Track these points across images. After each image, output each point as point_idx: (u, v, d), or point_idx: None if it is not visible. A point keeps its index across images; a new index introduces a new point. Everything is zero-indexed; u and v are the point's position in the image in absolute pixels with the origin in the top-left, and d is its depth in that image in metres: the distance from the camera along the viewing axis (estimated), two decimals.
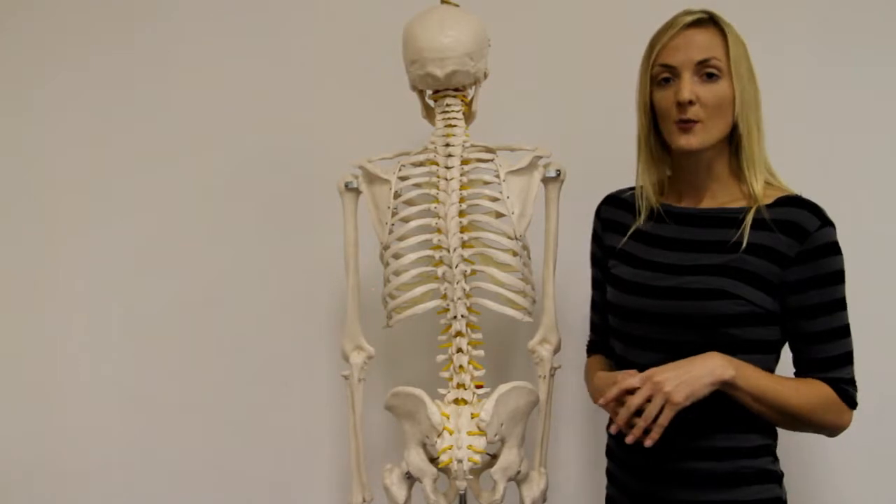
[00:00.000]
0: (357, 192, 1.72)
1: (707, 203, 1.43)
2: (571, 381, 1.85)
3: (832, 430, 1.40)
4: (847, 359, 1.39)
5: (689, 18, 1.37)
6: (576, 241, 1.83)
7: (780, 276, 1.35)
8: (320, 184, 1.93)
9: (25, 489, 2.19)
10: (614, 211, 1.57)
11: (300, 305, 2.13)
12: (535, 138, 1.70)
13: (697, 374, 1.29)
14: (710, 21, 1.38)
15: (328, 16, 2.11)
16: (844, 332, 1.38)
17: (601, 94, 2.01)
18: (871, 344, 1.96)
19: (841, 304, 1.37)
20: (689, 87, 1.35)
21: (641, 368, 1.34)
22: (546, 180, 1.69)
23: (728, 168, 1.42)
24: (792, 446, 1.96)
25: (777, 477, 1.42)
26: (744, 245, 1.35)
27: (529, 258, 1.69)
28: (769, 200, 1.38)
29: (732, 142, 1.40)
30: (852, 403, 1.39)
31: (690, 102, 1.35)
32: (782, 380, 1.38)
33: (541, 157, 1.67)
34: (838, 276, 1.36)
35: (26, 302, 2.18)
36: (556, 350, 1.72)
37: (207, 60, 2.13)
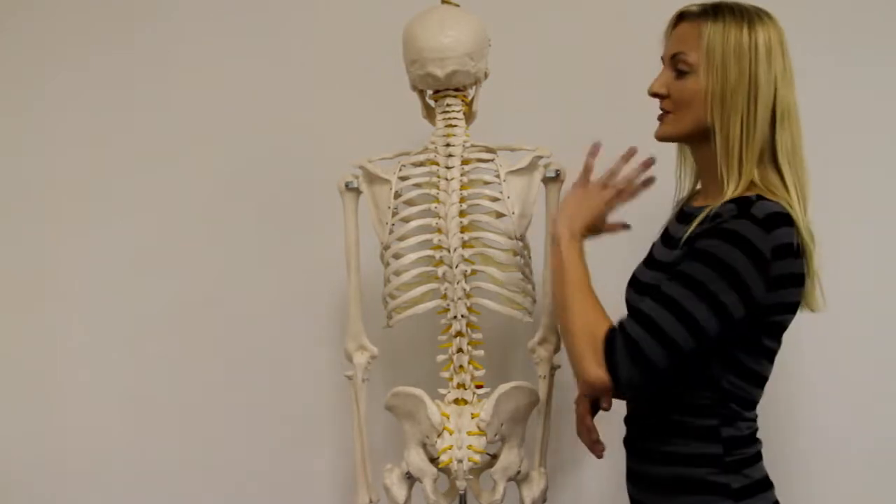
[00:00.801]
0: (357, 192, 1.72)
1: (705, 202, 1.39)
2: (571, 381, 1.84)
3: (576, 365, 1.29)
4: (645, 321, 1.24)
5: (681, 10, 1.37)
6: None
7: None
8: (320, 184, 1.93)
9: (25, 489, 2.19)
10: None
11: (300, 305, 2.13)
12: (535, 138, 1.70)
13: (570, 210, 1.40)
14: (699, 14, 1.34)
15: (328, 16, 2.11)
16: (664, 300, 1.24)
17: (601, 94, 2.01)
18: (871, 344, 1.97)
19: (687, 281, 1.23)
20: (660, 80, 1.37)
21: None
22: (546, 180, 1.69)
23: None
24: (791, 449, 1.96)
25: (727, 490, 1.31)
26: (682, 240, 1.32)
27: (530, 258, 1.69)
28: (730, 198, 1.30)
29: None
30: (608, 353, 1.24)
31: (658, 95, 1.37)
32: (582, 286, 1.33)
33: (541, 157, 1.67)
34: (708, 258, 1.23)
35: (26, 302, 2.18)
36: (556, 350, 1.72)
37: (207, 60, 2.14)
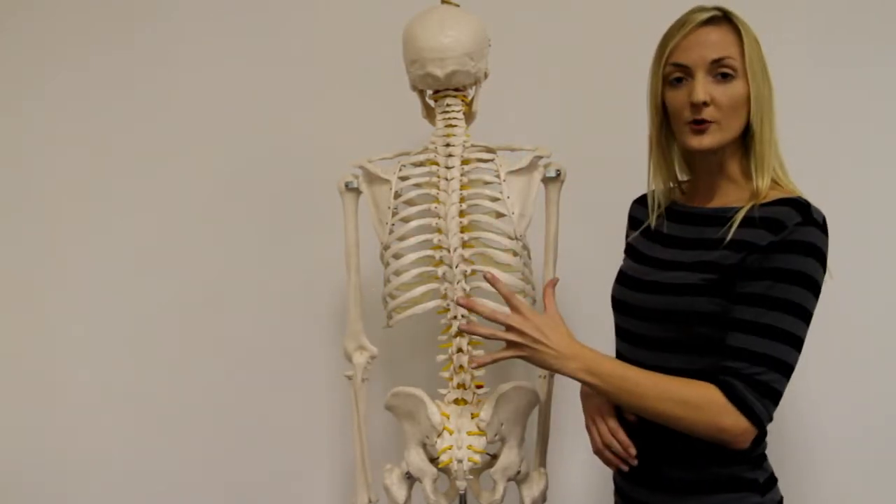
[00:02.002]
0: (357, 192, 1.72)
1: (716, 203, 1.39)
2: (571, 381, 1.85)
3: (714, 431, 1.25)
4: (753, 357, 1.23)
5: (704, 16, 1.33)
6: (576, 241, 1.83)
7: (744, 265, 1.28)
8: (320, 184, 1.94)
9: (26, 489, 2.19)
10: (639, 209, 1.56)
11: (300, 305, 2.13)
12: (535, 138, 1.70)
13: (546, 351, 1.31)
14: (723, 18, 1.33)
15: (328, 16, 2.11)
16: (776, 334, 1.23)
17: (601, 94, 2.01)
18: (870, 344, 1.97)
19: (788, 307, 1.24)
20: (703, 87, 1.31)
21: (632, 363, 1.37)
22: (546, 180, 1.69)
23: (740, 168, 1.37)
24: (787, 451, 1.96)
25: (754, 484, 1.34)
26: (726, 241, 1.30)
27: (529, 258, 1.69)
28: (768, 200, 1.32)
29: (745, 142, 1.36)
30: (742, 405, 1.23)
31: (705, 104, 1.31)
32: (647, 372, 1.30)
33: (541, 157, 1.67)
34: (798, 278, 1.24)
35: (26, 302, 2.18)
36: None
37: (207, 60, 2.14)
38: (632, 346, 1.43)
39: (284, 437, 2.15)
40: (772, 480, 1.38)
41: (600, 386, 1.31)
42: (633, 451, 1.40)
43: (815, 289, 1.26)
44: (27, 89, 2.17)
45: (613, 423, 1.42)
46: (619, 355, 1.46)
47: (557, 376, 1.74)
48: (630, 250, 1.51)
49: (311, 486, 2.16)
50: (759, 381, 1.24)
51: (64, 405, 2.18)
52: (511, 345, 1.33)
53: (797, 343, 1.25)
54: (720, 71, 1.31)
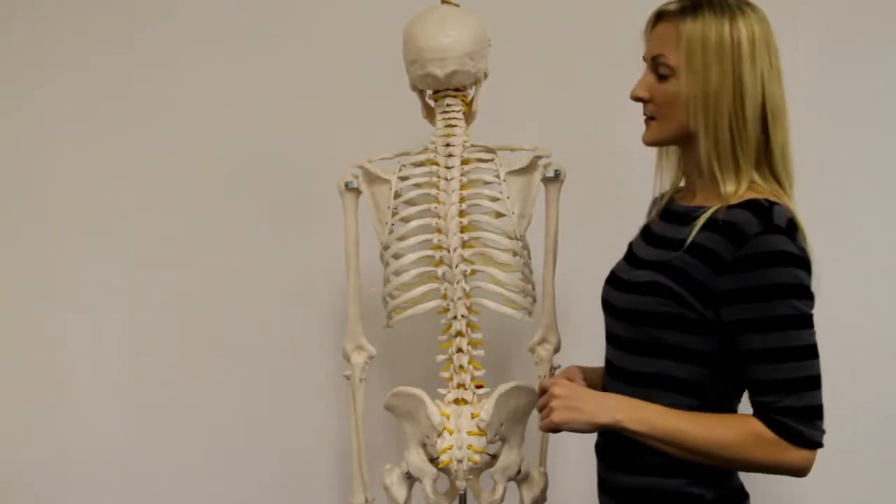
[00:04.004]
0: (357, 192, 1.72)
1: (696, 202, 1.34)
2: None
3: (775, 469, 1.23)
4: (783, 386, 1.20)
5: (661, 9, 1.31)
6: (576, 241, 1.83)
7: (715, 283, 1.22)
8: (320, 184, 1.93)
9: (26, 489, 2.19)
10: (653, 207, 1.53)
11: (300, 305, 2.13)
12: (535, 138, 1.70)
13: (583, 408, 1.29)
14: (677, 13, 1.27)
15: (328, 16, 2.11)
16: (781, 354, 1.20)
17: (601, 94, 2.01)
18: (870, 344, 1.97)
19: (777, 323, 1.19)
20: (641, 83, 1.32)
21: (608, 363, 1.38)
22: (546, 180, 1.69)
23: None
24: None
25: (697, 501, 1.29)
26: (687, 243, 1.26)
27: (529, 258, 1.69)
28: (737, 201, 1.25)
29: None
30: (795, 437, 1.20)
31: (641, 100, 1.32)
32: (692, 417, 1.25)
33: (541, 157, 1.67)
34: (775, 290, 1.19)
35: (26, 302, 2.18)
36: (556, 350, 1.72)
37: (207, 60, 2.14)
38: (608, 345, 1.41)
39: (284, 437, 2.15)
40: (728, 499, 1.31)
41: (639, 430, 1.26)
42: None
43: (804, 292, 1.20)
44: (27, 89, 2.17)
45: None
46: (605, 357, 1.45)
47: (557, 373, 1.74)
48: (627, 249, 1.49)
49: (310, 486, 2.16)
50: (801, 408, 1.20)
51: (64, 405, 2.18)
52: (547, 407, 1.33)
53: (813, 352, 1.21)
54: (658, 69, 1.29)
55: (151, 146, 2.15)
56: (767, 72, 1.25)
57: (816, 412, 1.21)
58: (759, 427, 1.20)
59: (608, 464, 1.39)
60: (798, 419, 1.20)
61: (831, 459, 1.98)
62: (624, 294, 1.34)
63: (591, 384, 1.45)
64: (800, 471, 1.23)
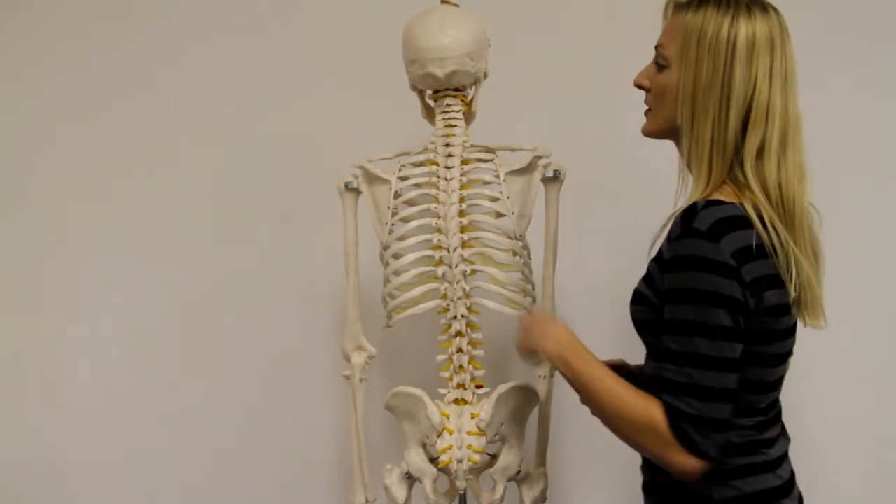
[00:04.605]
0: (357, 192, 1.72)
1: (680, 204, 1.32)
2: None
3: (659, 463, 1.22)
4: (680, 389, 1.17)
5: (674, 1, 1.31)
6: (576, 241, 1.83)
7: (662, 284, 1.24)
8: (320, 184, 1.93)
9: (26, 489, 2.19)
10: None
11: (300, 305, 2.13)
12: (535, 138, 1.70)
13: (534, 331, 1.39)
14: (682, 5, 1.27)
15: (328, 16, 2.11)
16: (682, 358, 1.18)
17: (601, 94, 2.01)
18: (870, 345, 1.97)
19: (681, 328, 1.18)
20: (644, 71, 1.33)
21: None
22: (546, 180, 1.69)
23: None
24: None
25: (708, 501, 1.26)
26: (654, 249, 1.29)
27: (529, 258, 1.69)
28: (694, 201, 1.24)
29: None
30: (686, 442, 1.17)
31: (640, 87, 1.34)
32: (610, 382, 1.25)
33: (541, 157, 1.67)
34: (691, 295, 1.17)
35: (26, 302, 2.18)
36: None
37: (207, 60, 2.14)
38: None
39: (284, 437, 2.15)
40: (737, 502, 1.26)
41: (564, 374, 1.32)
42: None
43: (716, 300, 1.16)
44: (27, 89, 2.17)
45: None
46: None
47: (557, 376, 1.74)
48: None
49: (310, 486, 2.16)
50: (696, 416, 1.17)
51: (64, 405, 2.18)
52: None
53: (716, 363, 1.17)
54: (656, 59, 1.31)
55: (151, 146, 2.15)
56: (764, 75, 1.21)
57: (711, 424, 1.17)
58: (659, 418, 1.18)
59: (642, 462, 1.38)
60: (693, 426, 1.17)
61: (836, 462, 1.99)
62: (639, 306, 1.34)
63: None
64: (683, 474, 1.20)
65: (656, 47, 1.31)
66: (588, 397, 1.29)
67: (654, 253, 1.31)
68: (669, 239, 1.24)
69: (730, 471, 1.25)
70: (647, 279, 1.30)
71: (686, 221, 1.19)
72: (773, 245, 1.20)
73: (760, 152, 1.23)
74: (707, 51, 1.22)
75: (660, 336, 1.23)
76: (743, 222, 1.19)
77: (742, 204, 1.21)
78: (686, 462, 1.18)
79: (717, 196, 1.23)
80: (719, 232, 1.17)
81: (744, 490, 1.25)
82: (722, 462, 1.22)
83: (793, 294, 1.23)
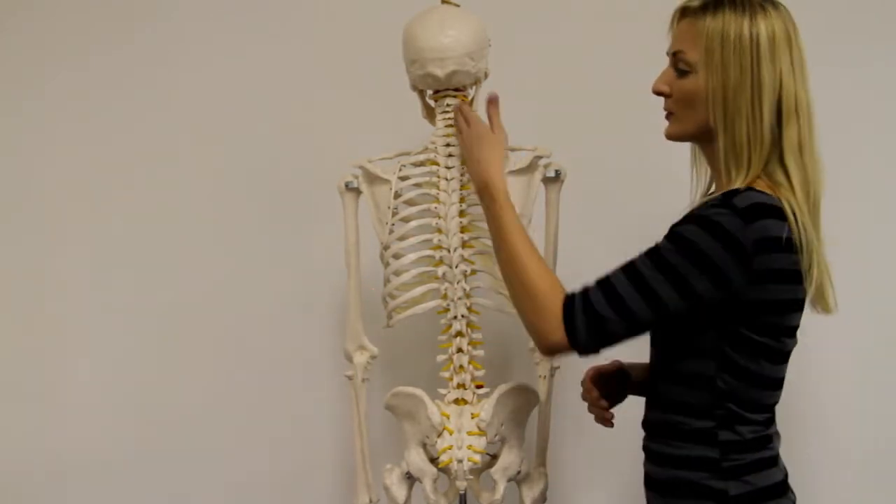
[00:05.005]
0: (357, 192, 1.72)
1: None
2: (571, 380, 1.85)
3: (531, 328, 1.32)
4: (605, 287, 1.25)
5: (684, 6, 1.32)
6: (576, 241, 1.83)
7: None
8: (320, 184, 1.93)
9: (26, 489, 2.18)
10: None
11: (300, 305, 2.13)
12: (535, 138, 1.70)
13: (475, 153, 1.49)
14: (698, 10, 1.29)
15: (328, 16, 2.11)
16: (632, 274, 1.24)
17: (601, 94, 2.01)
18: (876, 347, 1.97)
19: (658, 261, 1.22)
20: (661, 78, 1.34)
21: (651, 362, 1.40)
22: (546, 180, 1.69)
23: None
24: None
25: (720, 496, 1.27)
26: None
27: None
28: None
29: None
30: (567, 315, 1.26)
31: (660, 94, 1.34)
32: (529, 245, 1.36)
33: (541, 157, 1.67)
34: (681, 242, 1.21)
35: (26, 302, 2.18)
36: None
37: (207, 60, 2.14)
38: (650, 346, 1.43)
39: (285, 437, 2.15)
40: (756, 497, 1.28)
41: (502, 210, 1.41)
42: (607, 414, 1.49)
43: (706, 266, 1.19)
44: (27, 89, 2.17)
45: (595, 393, 1.49)
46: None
47: (557, 376, 1.74)
48: None
49: (312, 487, 2.15)
50: (595, 310, 1.24)
51: (64, 405, 2.18)
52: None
53: (656, 303, 1.22)
54: (677, 65, 1.31)
55: (151, 146, 2.14)
56: (788, 69, 1.25)
57: (599, 325, 1.24)
58: (558, 295, 1.28)
59: (646, 456, 1.40)
60: (584, 311, 1.25)
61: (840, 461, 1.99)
62: None
63: (637, 379, 1.50)
64: (546, 345, 1.30)
65: (675, 53, 1.31)
66: (511, 246, 1.36)
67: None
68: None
69: (744, 466, 1.27)
70: None
71: (727, 196, 1.22)
72: (800, 241, 1.23)
73: (801, 147, 1.27)
74: (732, 52, 1.24)
75: (671, 327, 1.27)
76: (779, 213, 1.23)
77: (779, 198, 1.24)
78: (556, 338, 1.27)
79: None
80: (754, 215, 1.20)
81: (756, 485, 1.28)
82: (731, 457, 1.27)
83: (809, 291, 1.27)
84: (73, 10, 2.16)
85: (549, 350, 1.31)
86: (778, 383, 1.33)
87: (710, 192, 1.42)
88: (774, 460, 1.32)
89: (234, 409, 2.15)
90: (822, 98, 1.87)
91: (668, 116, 1.36)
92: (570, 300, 1.27)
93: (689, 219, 1.24)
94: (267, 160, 2.12)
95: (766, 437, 1.31)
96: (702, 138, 1.33)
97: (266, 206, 2.13)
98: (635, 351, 1.46)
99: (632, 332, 1.25)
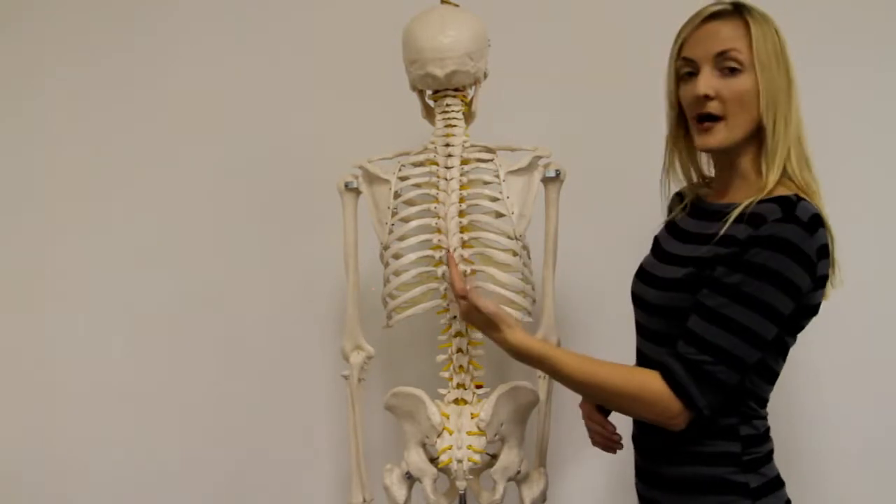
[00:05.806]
0: (357, 192, 1.72)
1: (728, 199, 1.36)
2: None
3: (645, 418, 1.32)
4: (710, 349, 1.23)
5: (714, 9, 1.32)
6: (576, 241, 1.83)
7: None
8: (320, 184, 1.93)
9: (25, 488, 2.19)
10: (675, 203, 1.53)
11: (300, 305, 2.13)
12: (535, 138, 1.70)
13: (494, 336, 1.43)
14: (734, 12, 1.31)
15: (328, 16, 2.11)
16: (734, 327, 1.22)
17: (602, 95, 2.01)
18: (870, 345, 1.97)
19: (753, 303, 1.22)
20: (706, 80, 1.30)
21: (640, 354, 1.43)
22: (546, 180, 1.69)
23: (752, 164, 1.34)
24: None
25: (742, 488, 1.31)
26: (718, 235, 1.29)
27: (529, 258, 1.69)
28: (770, 196, 1.28)
29: (759, 137, 1.32)
30: (679, 389, 1.25)
31: (708, 97, 1.30)
32: (585, 365, 1.33)
33: (541, 157, 1.67)
34: (769, 274, 1.21)
35: (26, 302, 2.18)
36: None
37: (207, 61, 2.14)
38: (641, 338, 1.44)
39: (283, 437, 2.15)
40: (769, 486, 1.33)
41: (540, 367, 1.40)
42: (615, 437, 1.56)
43: (787, 287, 1.22)
44: (27, 89, 2.17)
45: (598, 416, 1.57)
46: (637, 349, 1.47)
47: None
48: (653, 243, 1.50)
49: (309, 486, 2.15)
50: (703, 370, 1.24)
51: (64, 405, 2.18)
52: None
53: (756, 340, 1.23)
54: (725, 65, 1.29)
55: (151, 146, 2.15)
56: (794, 73, 1.32)
57: (715, 384, 1.24)
58: (653, 379, 1.27)
59: (647, 454, 1.42)
60: (694, 377, 1.24)
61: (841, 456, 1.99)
62: (657, 290, 1.37)
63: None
64: (668, 422, 1.28)
65: (721, 53, 1.29)
66: (575, 385, 1.36)
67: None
68: (752, 224, 1.25)
69: (759, 459, 1.33)
70: (701, 264, 1.29)
71: (787, 210, 1.23)
72: (832, 247, 1.28)
73: (806, 148, 1.33)
74: (773, 54, 1.29)
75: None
76: (824, 222, 1.27)
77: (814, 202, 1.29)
78: (672, 408, 1.26)
79: (781, 192, 1.28)
80: (815, 225, 1.24)
81: (768, 476, 1.34)
82: (750, 451, 1.31)
83: (829, 293, 1.32)
84: (73, 11, 2.16)
85: (682, 426, 1.29)
86: (776, 377, 1.37)
87: (706, 184, 1.45)
88: (773, 452, 1.37)
89: (233, 409, 2.15)
90: (822, 98, 1.86)
91: (710, 126, 1.32)
92: (668, 375, 1.27)
93: (758, 242, 1.23)
94: (267, 160, 2.12)
95: (769, 430, 1.37)
96: (741, 143, 1.33)
97: (266, 206, 2.13)
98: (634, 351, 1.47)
99: (743, 373, 1.26)
